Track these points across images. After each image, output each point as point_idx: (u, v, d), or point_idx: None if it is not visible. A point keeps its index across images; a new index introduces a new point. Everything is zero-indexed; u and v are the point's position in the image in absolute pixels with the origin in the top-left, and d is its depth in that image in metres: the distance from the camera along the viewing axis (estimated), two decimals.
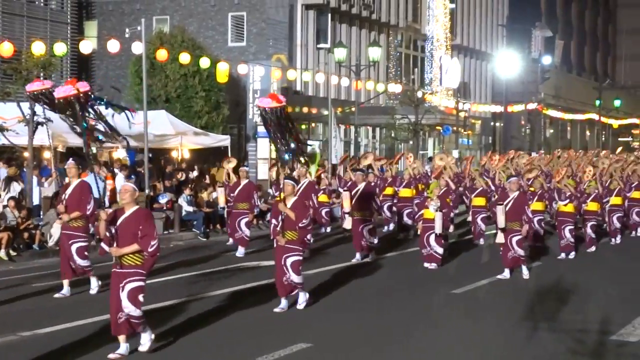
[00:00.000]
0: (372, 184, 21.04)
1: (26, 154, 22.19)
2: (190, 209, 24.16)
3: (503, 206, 16.97)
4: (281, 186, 20.44)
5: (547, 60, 64.54)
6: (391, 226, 25.10)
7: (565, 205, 20.25)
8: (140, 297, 10.40)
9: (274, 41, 40.73)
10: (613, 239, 23.27)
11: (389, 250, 20.76)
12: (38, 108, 21.39)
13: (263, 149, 35.14)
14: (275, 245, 13.72)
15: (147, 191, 23.85)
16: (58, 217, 16.49)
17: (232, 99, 36.23)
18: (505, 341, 11.85)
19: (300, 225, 13.26)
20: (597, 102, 72.11)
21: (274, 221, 13.52)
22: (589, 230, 21.45)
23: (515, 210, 16.98)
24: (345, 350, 11.18)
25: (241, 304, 13.99)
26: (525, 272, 17.16)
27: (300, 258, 13.51)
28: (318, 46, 43.15)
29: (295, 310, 13.70)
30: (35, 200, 22.15)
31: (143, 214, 10.66)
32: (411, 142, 47.16)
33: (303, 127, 43.06)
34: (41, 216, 21.28)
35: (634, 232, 25.02)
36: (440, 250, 18.20)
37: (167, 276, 16.80)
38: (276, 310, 13.22)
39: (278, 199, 13.98)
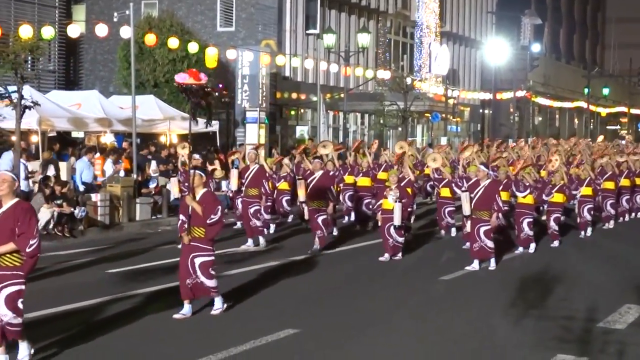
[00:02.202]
0: (331, 173, 20.10)
1: (13, 138, 22.07)
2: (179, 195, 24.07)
3: (468, 193, 16.67)
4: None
5: (536, 47, 64.59)
6: (352, 217, 23.72)
7: (524, 197, 19.22)
8: (19, 303, 9.22)
9: (263, 26, 40.62)
10: (582, 232, 22.19)
11: (366, 239, 20.52)
12: (26, 92, 21.29)
13: (252, 134, 35.13)
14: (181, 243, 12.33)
15: (134, 175, 23.78)
16: None
17: (221, 84, 36.14)
18: (491, 328, 11.88)
19: (208, 221, 11.79)
20: (586, 90, 72.26)
21: (181, 217, 12.05)
22: (552, 224, 20.12)
23: (485, 199, 16.60)
24: (333, 336, 11.19)
25: (226, 290, 13.98)
26: (492, 264, 16.67)
27: (212, 258, 12.02)
28: (307, 32, 43.05)
29: (282, 297, 13.74)
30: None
31: (22, 208, 9.24)
32: (400, 129, 47.15)
33: (292, 112, 43.07)
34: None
35: (606, 225, 24.20)
36: (401, 240, 17.51)
37: (156, 261, 16.80)
38: (176, 316, 11.78)
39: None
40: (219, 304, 12.18)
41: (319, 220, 18.29)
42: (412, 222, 20.87)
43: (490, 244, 16.60)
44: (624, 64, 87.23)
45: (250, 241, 19.10)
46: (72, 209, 20.49)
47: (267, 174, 20.20)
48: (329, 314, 12.56)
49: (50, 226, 20.07)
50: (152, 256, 17.56)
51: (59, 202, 20.26)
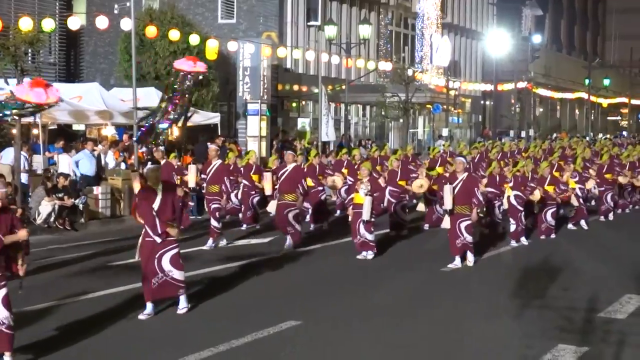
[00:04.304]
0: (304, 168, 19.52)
1: (14, 131, 22.07)
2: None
3: (450, 186, 15.73)
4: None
5: (537, 38, 64.49)
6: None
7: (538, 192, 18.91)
8: None
9: (264, 18, 40.58)
10: (571, 224, 21.99)
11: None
12: None
13: (253, 126, 35.10)
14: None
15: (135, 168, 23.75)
16: None
17: (222, 76, 36.13)
18: (492, 319, 11.90)
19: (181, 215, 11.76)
20: (587, 81, 72.20)
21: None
22: (549, 218, 19.90)
23: (464, 192, 15.78)
24: (333, 328, 11.21)
25: (229, 282, 14.01)
26: (470, 259, 16.01)
27: (179, 249, 11.86)
28: (308, 24, 43.00)
29: (281, 290, 13.76)
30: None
31: None
32: (401, 121, 47.14)
33: (293, 104, 43.05)
34: (29, 194, 21.23)
35: (602, 217, 23.82)
36: (371, 237, 16.56)
37: None
38: (141, 317, 11.51)
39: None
40: (184, 303, 11.85)
41: (290, 215, 17.35)
42: (406, 218, 20.50)
43: (470, 238, 15.90)
44: (624, 54, 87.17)
45: (210, 241, 17.89)
46: (74, 202, 20.50)
47: (230, 171, 19.44)
48: (329, 306, 12.57)
49: (52, 219, 20.09)
50: None
51: (60, 195, 20.27)
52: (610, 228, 22.56)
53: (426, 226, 21.34)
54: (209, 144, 22.15)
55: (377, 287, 14.04)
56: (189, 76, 11.64)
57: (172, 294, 11.80)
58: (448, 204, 15.78)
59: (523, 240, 18.91)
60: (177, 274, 11.69)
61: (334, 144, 37.54)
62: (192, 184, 18.77)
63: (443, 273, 15.40)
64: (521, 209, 18.86)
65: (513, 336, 10.98)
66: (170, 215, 11.57)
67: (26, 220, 19.72)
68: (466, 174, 16.18)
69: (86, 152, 23.14)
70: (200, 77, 12.01)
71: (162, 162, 18.08)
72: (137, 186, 18.76)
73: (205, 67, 11.88)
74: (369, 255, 16.58)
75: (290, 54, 39.37)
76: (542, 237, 19.85)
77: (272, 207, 17.80)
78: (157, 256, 11.56)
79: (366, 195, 16.23)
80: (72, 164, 23.06)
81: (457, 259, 15.95)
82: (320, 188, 21.47)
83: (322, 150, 32.21)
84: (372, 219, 16.55)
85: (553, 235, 20.08)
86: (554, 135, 62.97)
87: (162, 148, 18.75)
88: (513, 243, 18.78)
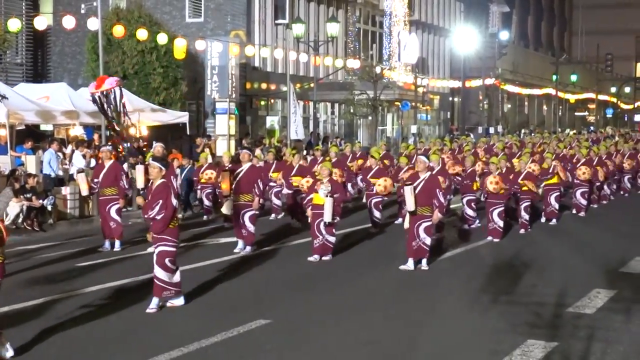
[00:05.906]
0: (259, 165, 19.27)
1: None
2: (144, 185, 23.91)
3: (411, 187, 15.12)
4: None
5: (504, 35, 64.86)
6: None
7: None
8: None
9: (232, 17, 40.51)
10: (553, 220, 22.00)
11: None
12: None
13: (222, 125, 35.08)
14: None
15: None
16: None
17: (190, 75, 36.04)
18: (463, 315, 11.96)
19: (157, 217, 11.74)
20: (554, 77, 72.68)
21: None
22: (522, 213, 20.19)
23: (426, 193, 15.19)
24: (303, 327, 11.21)
25: (198, 282, 13.98)
26: (424, 264, 15.42)
27: (171, 249, 11.84)
28: (276, 22, 42.99)
29: (250, 289, 13.76)
30: None
31: None
32: (370, 118, 47.23)
33: (262, 103, 43.00)
34: None
35: (576, 211, 23.84)
36: (332, 239, 16.25)
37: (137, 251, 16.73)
38: (148, 310, 11.76)
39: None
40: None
41: (247, 216, 16.86)
42: (379, 215, 20.43)
43: (428, 241, 15.32)
44: (591, 50, 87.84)
45: None
46: (42, 202, 20.36)
47: (175, 172, 18.97)
48: (299, 305, 12.57)
49: (20, 220, 19.95)
50: (121, 249, 17.47)
51: (28, 195, 20.13)
52: (581, 223, 22.70)
53: (399, 220, 21.31)
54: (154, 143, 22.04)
55: (346, 285, 14.05)
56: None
57: (155, 294, 11.86)
58: (410, 205, 15.20)
59: (495, 238, 18.92)
60: (161, 274, 11.77)
61: (303, 143, 37.56)
62: (140, 184, 17.52)
63: (411, 271, 15.40)
64: (498, 206, 18.85)
65: (483, 332, 11.04)
66: (150, 211, 11.76)
67: None
68: (428, 173, 15.57)
69: (51, 152, 22.98)
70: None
71: (110, 162, 17.62)
72: (84, 188, 18.67)
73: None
74: (326, 257, 16.24)
75: (259, 53, 39.36)
76: (520, 231, 20.15)
77: (226, 207, 17.29)
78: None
79: (326, 196, 15.86)
80: (44, 164, 22.92)
81: (410, 262, 15.33)
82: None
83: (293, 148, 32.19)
84: (335, 220, 16.27)
85: (522, 231, 20.23)
86: (523, 130, 63.33)
87: (109, 147, 18.36)
88: (489, 238, 18.92)
